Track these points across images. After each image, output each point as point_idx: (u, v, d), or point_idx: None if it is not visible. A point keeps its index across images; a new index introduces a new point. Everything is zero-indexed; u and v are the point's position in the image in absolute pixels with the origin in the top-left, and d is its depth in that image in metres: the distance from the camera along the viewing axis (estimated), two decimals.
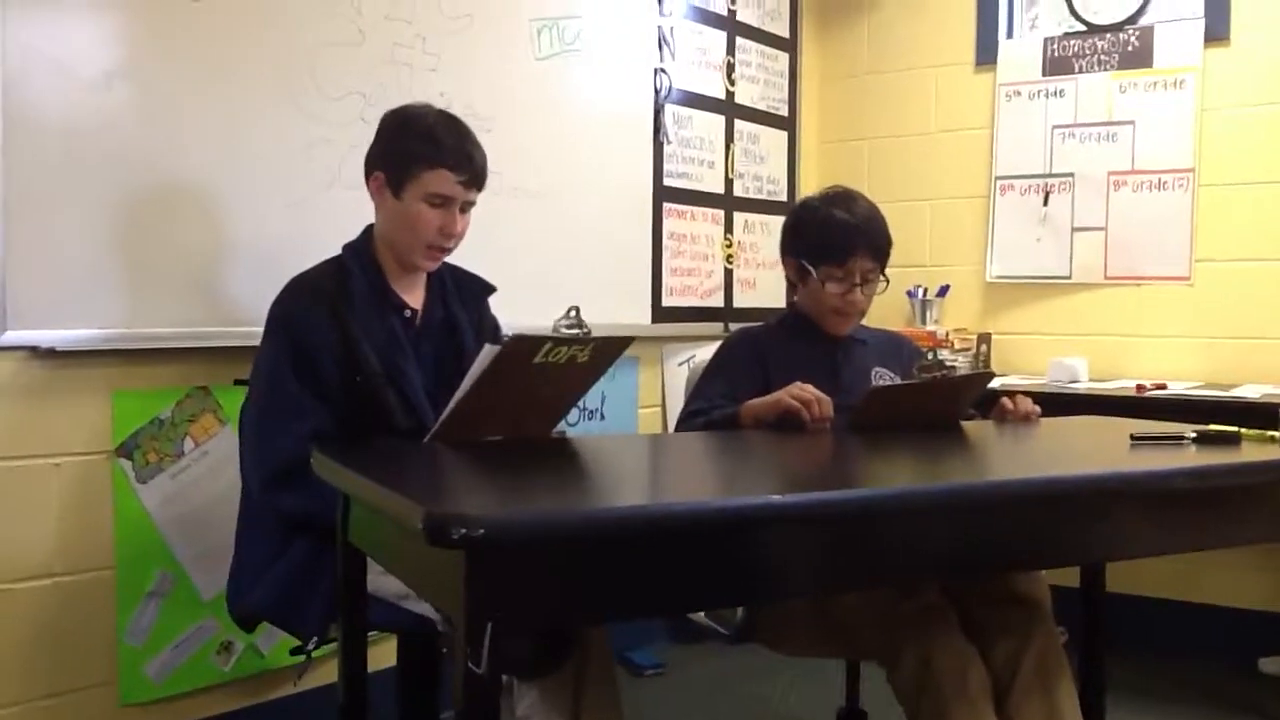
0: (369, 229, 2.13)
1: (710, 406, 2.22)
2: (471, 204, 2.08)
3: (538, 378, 1.76)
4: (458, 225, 2.06)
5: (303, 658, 2.06)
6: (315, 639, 1.97)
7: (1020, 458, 2.04)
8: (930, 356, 2.28)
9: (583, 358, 1.77)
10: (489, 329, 2.22)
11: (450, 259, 2.16)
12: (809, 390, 2.05)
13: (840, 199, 2.32)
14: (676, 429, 2.32)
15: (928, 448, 1.95)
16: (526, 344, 1.72)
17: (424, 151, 2.01)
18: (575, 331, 1.77)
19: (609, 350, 1.83)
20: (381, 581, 1.79)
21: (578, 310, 1.81)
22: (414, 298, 2.12)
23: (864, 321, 2.41)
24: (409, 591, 1.82)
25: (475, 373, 1.74)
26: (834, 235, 2.26)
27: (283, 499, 1.95)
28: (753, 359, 2.29)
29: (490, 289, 2.25)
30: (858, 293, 2.27)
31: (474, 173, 2.04)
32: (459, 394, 1.78)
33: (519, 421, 1.85)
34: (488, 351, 1.72)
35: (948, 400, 2.16)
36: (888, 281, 2.33)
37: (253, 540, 2.04)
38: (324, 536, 1.90)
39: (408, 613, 1.86)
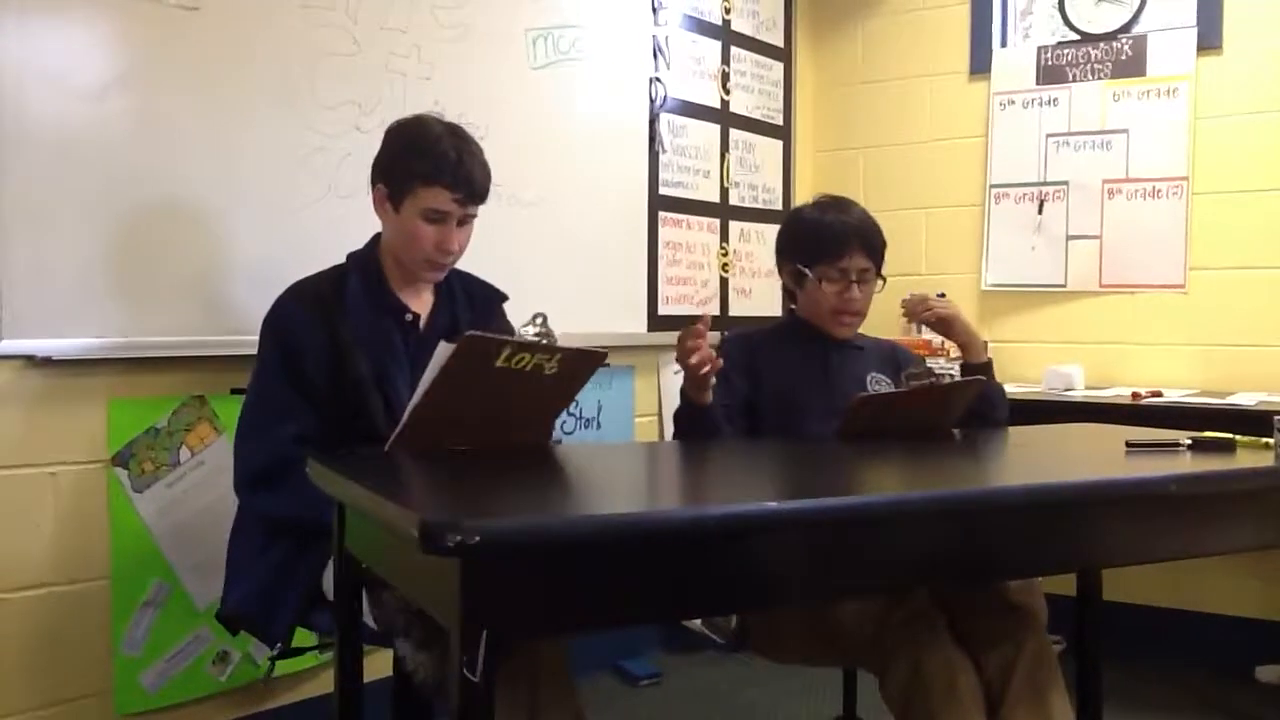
0: (376, 236, 2.14)
1: None
2: (472, 217, 2.08)
3: (503, 384, 1.71)
4: (454, 241, 2.05)
5: (269, 662, 2.05)
6: (280, 645, 1.97)
7: (1016, 465, 2.05)
8: (919, 364, 2.28)
9: (551, 368, 1.72)
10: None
11: (457, 266, 2.16)
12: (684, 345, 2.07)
13: (832, 204, 2.37)
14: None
15: (922, 455, 1.95)
16: (482, 344, 1.68)
17: (420, 168, 2.01)
18: (537, 338, 1.73)
19: (581, 363, 1.78)
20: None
21: (544, 317, 1.78)
22: (420, 303, 2.12)
23: (861, 329, 2.42)
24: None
25: (431, 371, 1.71)
26: (828, 234, 2.30)
27: (262, 500, 1.97)
28: (744, 362, 2.30)
29: (502, 297, 2.25)
30: (854, 290, 2.29)
31: (471, 190, 2.03)
32: (417, 395, 1.75)
33: (492, 434, 1.81)
34: (443, 349, 1.68)
35: (937, 407, 2.17)
36: (884, 281, 2.35)
37: (237, 543, 2.06)
38: (304, 539, 1.91)
39: (365, 626, 1.85)
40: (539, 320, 1.78)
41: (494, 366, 1.69)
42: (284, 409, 1.96)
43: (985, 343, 2.43)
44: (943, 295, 3.88)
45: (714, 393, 2.27)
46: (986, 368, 2.35)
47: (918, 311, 2.38)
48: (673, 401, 3.56)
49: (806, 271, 2.31)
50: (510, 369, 1.69)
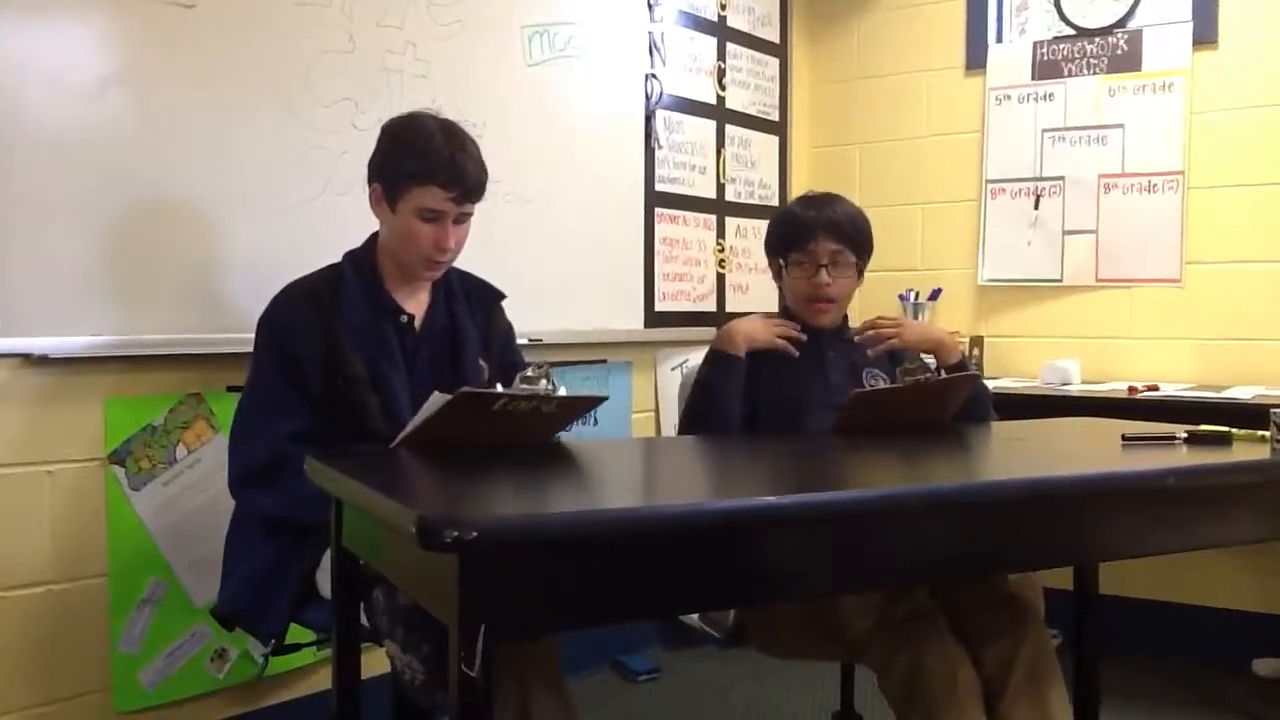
0: (374, 236, 2.14)
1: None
2: (467, 215, 2.07)
3: (500, 419, 1.74)
4: (450, 239, 2.05)
5: (262, 659, 2.05)
6: (273, 641, 1.97)
7: (1012, 459, 2.05)
8: (915, 360, 2.28)
9: (549, 409, 1.76)
10: (500, 336, 2.23)
11: (455, 264, 2.16)
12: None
13: (810, 197, 2.40)
14: (680, 429, 2.33)
15: (919, 450, 1.95)
16: (479, 399, 1.71)
17: (414, 167, 2.00)
18: (533, 389, 1.76)
19: (578, 405, 1.84)
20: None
21: (545, 368, 1.80)
22: (415, 303, 2.12)
23: (855, 323, 2.43)
24: None
25: (422, 416, 1.74)
26: (796, 223, 2.34)
27: (256, 497, 1.98)
28: (743, 358, 2.30)
29: (499, 296, 2.25)
30: (823, 274, 2.29)
31: (465, 188, 2.02)
32: (408, 429, 1.78)
33: (490, 442, 1.81)
34: (436, 399, 1.70)
35: (933, 403, 2.17)
36: (861, 276, 2.36)
37: (233, 540, 2.06)
38: (297, 537, 1.92)
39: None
40: (537, 370, 1.79)
41: (491, 409, 1.72)
42: (279, 408, 1.97)
43: (952, 339, 2.40)
44: (939, 291, 3.93)
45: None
46: (966, 364, 2.35)
47: (877, 341, 2.33)
48: (670, 399, 3.57)
49: (782, 262, 2.35)
50: (508, 410, 1.72)
